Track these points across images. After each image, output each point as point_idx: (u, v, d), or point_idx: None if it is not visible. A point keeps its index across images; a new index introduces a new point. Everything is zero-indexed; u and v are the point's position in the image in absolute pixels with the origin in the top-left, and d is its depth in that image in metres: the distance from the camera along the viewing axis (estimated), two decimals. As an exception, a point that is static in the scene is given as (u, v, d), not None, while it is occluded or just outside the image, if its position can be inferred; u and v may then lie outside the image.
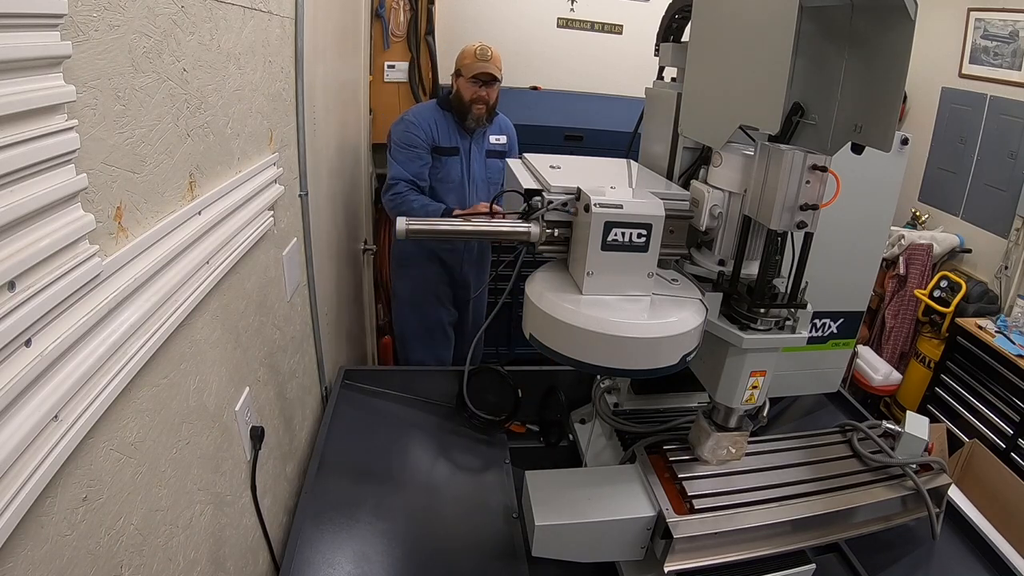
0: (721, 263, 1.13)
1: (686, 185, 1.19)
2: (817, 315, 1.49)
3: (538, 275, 1.12)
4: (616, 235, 1.00)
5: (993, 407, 2.79)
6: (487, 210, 1.60)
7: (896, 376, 3.28)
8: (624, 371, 1.10)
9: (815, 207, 0.98)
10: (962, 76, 3.33)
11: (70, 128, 0.60)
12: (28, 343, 0.56)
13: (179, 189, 0.87)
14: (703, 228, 1.10)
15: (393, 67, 2.97)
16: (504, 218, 1.20)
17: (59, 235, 0.59)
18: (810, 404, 1.79)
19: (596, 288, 1.03)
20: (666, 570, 1.09)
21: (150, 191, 0.78)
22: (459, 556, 1.29)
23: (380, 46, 2.89)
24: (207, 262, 0.93)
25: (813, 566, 1.18)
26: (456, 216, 1.90)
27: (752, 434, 1.26)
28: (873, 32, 0.92)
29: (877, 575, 1.31)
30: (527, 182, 1.15)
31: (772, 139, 1.02)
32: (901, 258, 3.33)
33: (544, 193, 1.08)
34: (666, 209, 1.02)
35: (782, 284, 1.10)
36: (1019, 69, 3.01)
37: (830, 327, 1.57)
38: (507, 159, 1.37)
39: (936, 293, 3.15)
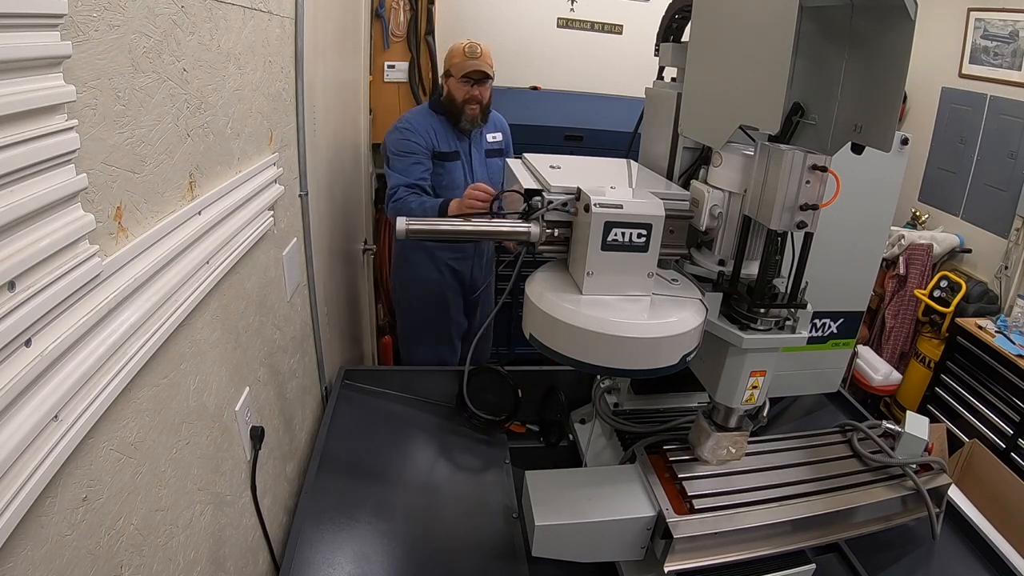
0: (721, 263, 1.13)
1: (686, 185, 1.19)
2: (817, 315, 1.49)
3: (538, 275, 1.12)
4: (616, 235, 1.00)
5: (993, 407, 2.79)
6: (488, 196, 1.59)
7: (896, 376, 3.28)
8: (624, 371, 1.10)
9: (815, 207, 0.98)
10: (962, 76, 3.33)
11: (70, 128, 0.60)
12: (28, 343, 0.56)
13: (179, 189, 0.87)
14: (703, 228, 1.10)
15: (393, 67, 2.97)
16: (504, 218, 1.20)
17: (59, 235, 0.59)
18: (810, 404, 1.79)
19: (596, 288, 1.03)
20: (666, 570, 1.09)
21: (150, 191, 0.78)
22: (459, 556, 1.29)
23: (380, 46, 2.89)
24: (207, 262, 0.93)
25: (813, 566, 1.18)
26: (454, 216, 1.85)
27: (752, 434, 1.26)
28: (873, 32, 0.92)
29: (877, 575, 1.31)
30: (527, 182, 1.15)
31: (772, 139, 1.02)
32: (901, 258, 3.33)
33: (544, 193, 1.08)
34: (666, 209, 1.02)
35: (782, 284, 1.10)
36: (1019, 69, 3.01)
37: (830, 327, 1.57)
38: (507, 159, 1.37)
39: (936, 293, 3.15)
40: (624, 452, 1.37)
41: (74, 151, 0.61)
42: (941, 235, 3.34)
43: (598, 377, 1.58)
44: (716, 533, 1.12)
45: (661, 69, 1.36)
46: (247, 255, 1.12)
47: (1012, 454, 2.65)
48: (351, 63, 2.33)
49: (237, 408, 1.10)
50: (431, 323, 2.35)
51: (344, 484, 1.42)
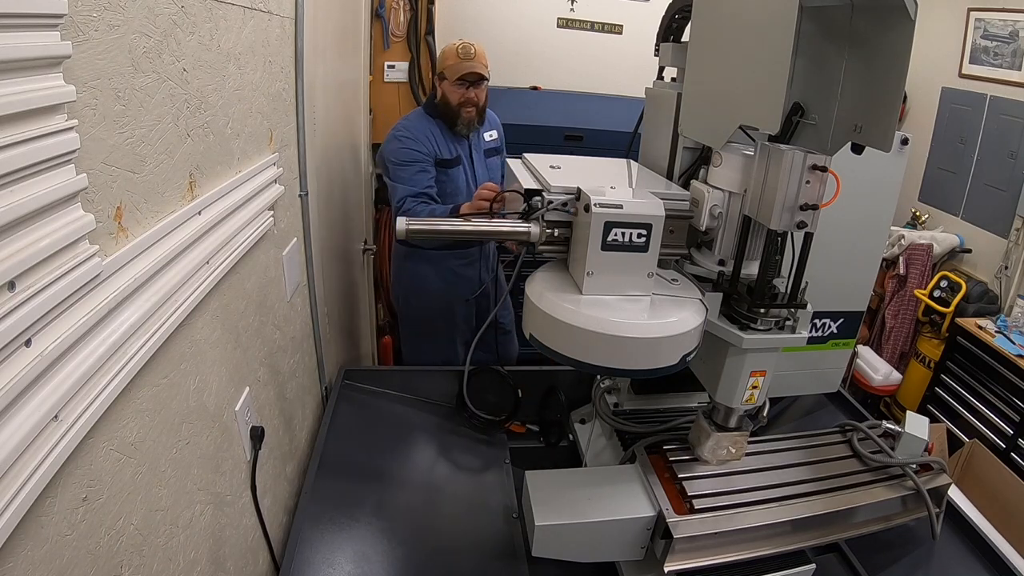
0: (721, 263, 1.13)
1: (686, 185, 1.19)
2: (817, 315, 1.49)
3: (538, 275, 1.12)
4: (616, 235, 1.00)
5: (993, 407, 2.79)
6: (492, 194, 1.54)
7: (896, 376, 3.28)
8: (624, 371, 1.10)
9: (815, 207, 0.98)
10: (962, 76, 3.33)
11: (70, 128, 0.60)
12: (28, 343, 0.56)
13: (179, 189, 0.87)
14: (703, 228, 1.10)
15: (393, 67, 2.97)
16: (504, 218, 1.19)
17: (59, 235, 0.59)
18: (810, 404, 1.79)
19: (596, 288, 1.03)
20: (666, 570, 1.09)
21: (150, 191, 0.78)
22: (459, 556, 1.29)
23: (380, 46, 2.89)
24: (207, 262, 0.93)
25: (813, 566, 1.18)
26: (461, 215, 1.79)
27: (752, 434, 1.26)
28: (873, 32, 0.92)
29: (877, 575, 1.31)
30: (527, 182, 1.15)
31: (772, 139, 1.02)
32: (901, 258, 3.33)
33: (544, 193, 1.08)
34: (666, 209, 1.02)
35: (782, 284, 1.10)
36: (1019, 69, 3.01)
37: (830, 327, 1.57)
38: (508, 159, 1.37)
39: (936, 293, 3.15)
40: (624, 452, 1.37)
41: (74, 151, 0.61)
42: (941, 235, 3.34)
43: (598, 377, 1.58)
44: (716, 533, 1.12)
45: (661, 69, 1.36)
46: (247, 255, 1.12)
47: (1012, 454, 2.65)
48: (351, 63, 2.33)
49: (237, 408, 1.10)
50: (439, 333, 2.25)
51: (344, 484, 1.42)
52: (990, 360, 2.80)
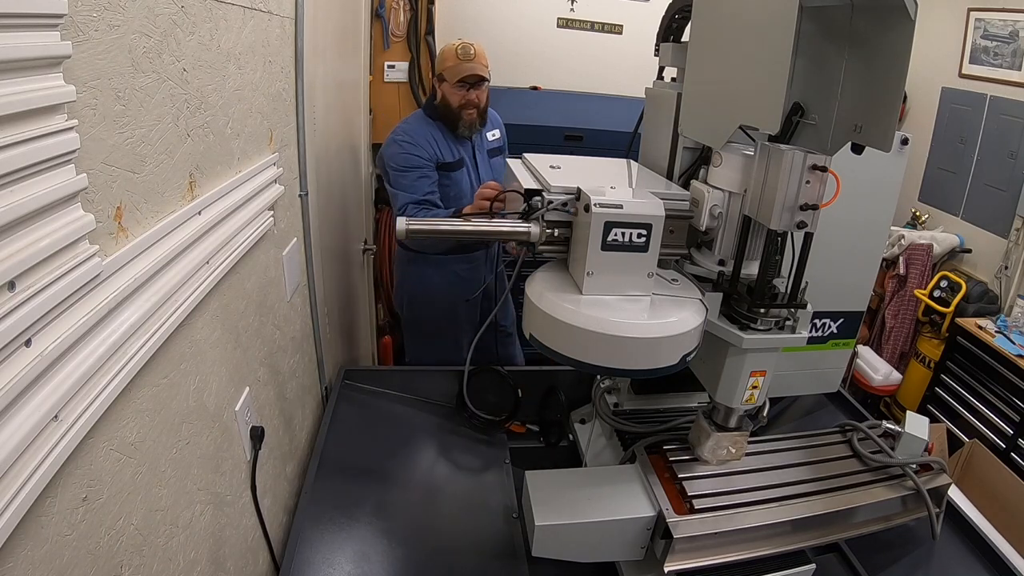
0: (721, 263, 1.13)
1: (686, 185, 1.19)
2: (817, 315, 1.49)
3: (538, 275, 1.12)
4: (616, 235, 1.00)
5: (993, 407, 2.79)
6: (494, 193, 1.51)
7: (896, 376, 3.28)
8: (624, 371, 1.10)
9: (815, 207, 0.98)
10: (962, 76, 3.33)
11: (70, 128, 0.60)
12: (28, 343, 0.56)
13: (179, 189, 0.87)
14: (703, 228, 1.10)
15: (393, 67, 2.97)
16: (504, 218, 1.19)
17: (59, 235, 0.59)
18: (810, 404, 1.79)
19: (596, 288, 1.03)
20: (666, 570, 1.09)
21: (150, 191, 0.78)
22: (459, 556, 1.29)
23: (380, 46, 2.89)
24: (207, 262, 0.93)
25: (813, 566, 1.18)
26: (461, 215, 1.76)
27: (752, 434, 1.26)
28: (873, 32, 0.92)
29: (877, 575, 1.31)
30: (527, 182, 1.15)
31: (772, 139, 1.02)
32: (901, 258, 3.33)
33: (544, 193, 1.08)
34: (666, 209, 1.02)
35: (782, 284, 1.10)
36: (1019, 69, 3.01)
37: (830, 327, 1.57)
38: (508, 160, 1.37)
39: (936, 293, 3.15)
40: (624, 452, 1.37)
41: (74, 151, 0.61)
42: (941, 235, 3.34)
43: (598, 377, 1.58)
44: (716, 533, 1.11)
45: (661, 69, 1.36)
46: (247, 255, 1.12)
47: (1012, 454, 2.65)
48: (351, 63, 2.33)
49: (237, 408, 1.10)
50: (443, 336, 2.21)
51: (344, 484, 1.42)
52: (990, 360, 2.80)
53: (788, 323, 1.10)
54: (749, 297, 1.08)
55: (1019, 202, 2.98)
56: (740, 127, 1.02)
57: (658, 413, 1.49)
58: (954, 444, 2.79)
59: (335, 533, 1.28)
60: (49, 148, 0.57)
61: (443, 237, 1.87)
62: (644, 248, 1.01)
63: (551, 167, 1.19)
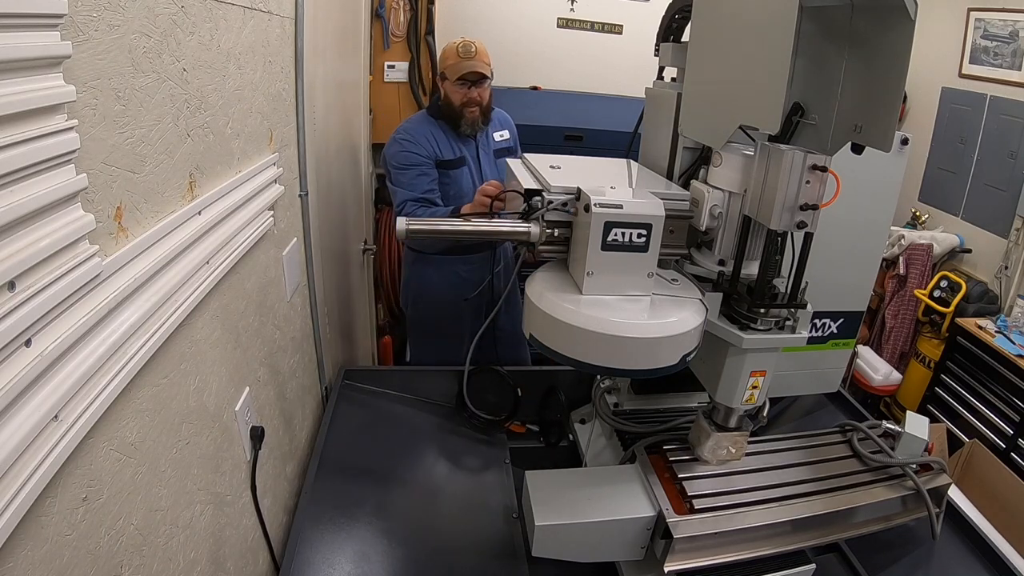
0: (721, 263, 1.13)
1: (686, 185, 1.19)
2: (817, 315, 1.49)
3: (538, 275, 1.12)
4: (616, 235, 1.00)
5: (993, 407, 2.79)
6: (495, 191, 1.51)
7: (896, 376, 3.28)
8: (624, 371, 1.10)
9: (815, 207, 0.98)
10: (962, 76, 3.33)
11: (70, 128, 0.60)
12: (28, 343, 0.56)
13: (179, 189, 0.87)
14: (703, 228, 1.10)
15: (393, 67, 2.97)
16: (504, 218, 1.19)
17: (59, 235, 0.59)
18: (810, 404, 1.79)
19: (596, 288, 1.03)
20: (666, 570, 1.09)
21: (150, 191, 0.78)
22: (459, 556, 1.29)
23: (380, 46, 2.89)
24: (207, 262, 0.93)
25: (813, 566, 1.18)
26: (462, 215, 1.73)
27: (752, 434, 1.26)
28: (873, 32, 0.92)
29: (877, 575, 1.31)
30: (527, 182, 1.15)
31: (772, 139, 1.02)
32: (901, 258, 3.33)
33: (544, 193, 1.08)
34: (666, 209, 1.02)
35: (782, 284, 1.10)
36: (1019, 69, 3.01)
37: (830, 327, 1.57)
38: (508, 160, 1.37)
39: (936, 293, 3.15)
40: (624, 452, 1.37)
41: (74, 151, 0.61)
42: (941, 235, 3.34)
43: (598, 377, 1.58)
44: (716, 533, 1.11)
45: (661, 69, 1.36)
46: (247, 255, 1.12)
47: (1012, 454, 2.65)
48: (351, 63, 2.33)
49: (237, 408, 1.10)
50: (448, 336, 2.19)
51: (344, 484, 1.42)
52: (990, 360, 2.80)
53: (788, 323, 1.10)
54: (749, 297, 1.08)
55: (1019, 202, 2.98)
56: (740, 127, 1.02)
57: (658, 413, 1.49)
58: (954, 444, 2.79)
59: (335, 533, 1.28)
60: (49, 148, 0.57)
61: (442, 237, 1.88)
62: (644, 248, 1.01)
63: (551, 167, 1.19)
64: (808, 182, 0.96)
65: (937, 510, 1.26)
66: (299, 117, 1.45)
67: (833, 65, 0.99)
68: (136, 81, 0.72)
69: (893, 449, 1.31)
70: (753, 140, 1.06)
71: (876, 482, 1.27)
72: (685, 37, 1.26)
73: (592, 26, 3.50)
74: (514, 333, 2.31)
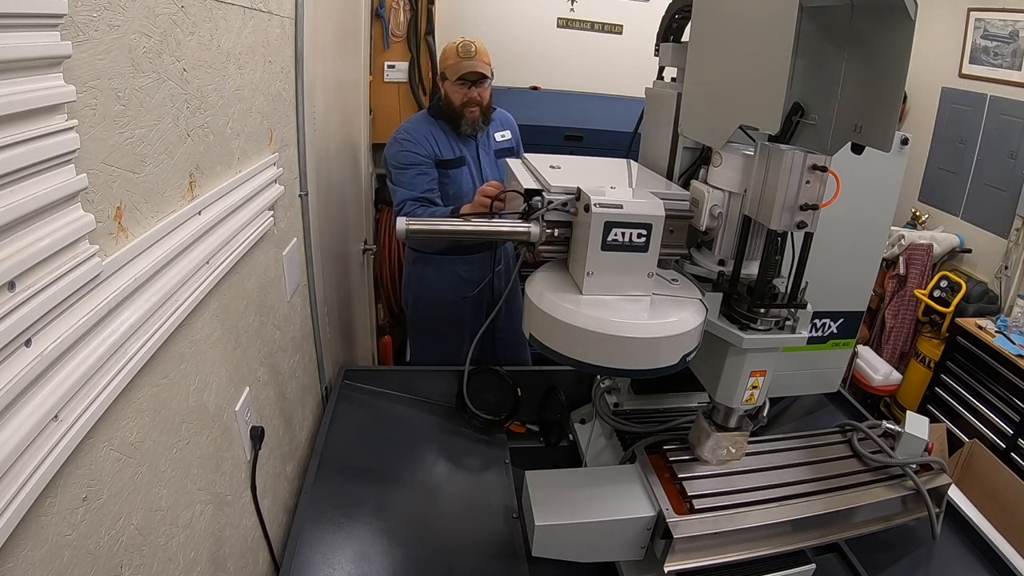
0: (721, 263, 1.13)
1: (686, 185, 1.19)
2: (817, 315, 1.49)
3: (538, 275, 1.12)
4: (616, 235, 1.00)
5: (993, 407, 2.79)
6: (495, 191, 1.50)
7: (896, 376, 3.28)
8: (624, 371, 1.10)
9: (815, 207, 0.98)
10: (962, 76, 3.33)
11: (70, 128, 0.60)
12: (28, 343, 0.56)
13: (179, 189, 0.87)
14: (703, 228, 1.10)
15: (393, 67, 2.98)
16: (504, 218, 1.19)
17: (59, 235, 0.59)
18: (810, 404, 1.79)
19: (596, 288, 1.03)
20: (666, 570, 1.09)
21: (150, 191, 0.78)
22: (459, 556, 1.29)
23: (380, 46, 2.89)
24: (207, 262, 0.93)
25: (813, 566, 1.18)
26: (461, 215, 1.73)
27: (752, 434, 1.26)
28: (873, 32, 0.92)
29: (877, 575, 1.31)
30: (527, 182, 1.15)
31: (772, 139, 1.02)
32: (901, 258, 3.33)
33: (544, 193, 1.08)
34: (666, 209, 1.02)
35: (782, 284, 1.10)
36: (1019, 69, 3.01)
37: (830, 327, 1.57)
38: (508, 160, 1.37)
39: (936, 293, 3.15)
40: (624, 452, 1.37)
41: (74, 151, 0.61)
42: (941, 235, 3.34)
43: (598, 377, 1.58)
44: (716, 533, 1.11)
45: (661, 69, 1.36)
46: (247, 255, 1.12)
47: (1012, 454, 2.66)
48: (351, 63, 2.33)
49: (237, 408, 1.10)
50: (449, 336, 2.19)
51: (344, 484, 1.42)
52: (990, 360, 2.80)
53: (788, 323, 1.10)
54: (749, 297, 1.08)
55: (1019, 202, 2.98)
56: (740, 127, 1.02)
57: (658, 413, 1.49)
58: (954, 444, 2.79)
59: (335, 533, 1.28)
60: (49, 148, 0.57)
61: (443, 237, 1.88)
62: (644, 248, 1.01)
63: (551, 167, 1.19)
64: (808, 182, 0.96)
65: (937, 510, 1.26)
66: (299, 117, 1.45)
67: (833, 65, 0.99)
68: (136, 81, 0.72)
69: (893, 449, 1.31)
70: (753, 140, 1.06)
71: (876, 482, 1.27)
72: (685, 37, 1.26)
73: (592, 26, 3.50)
74: (514, 333, 2.31)
